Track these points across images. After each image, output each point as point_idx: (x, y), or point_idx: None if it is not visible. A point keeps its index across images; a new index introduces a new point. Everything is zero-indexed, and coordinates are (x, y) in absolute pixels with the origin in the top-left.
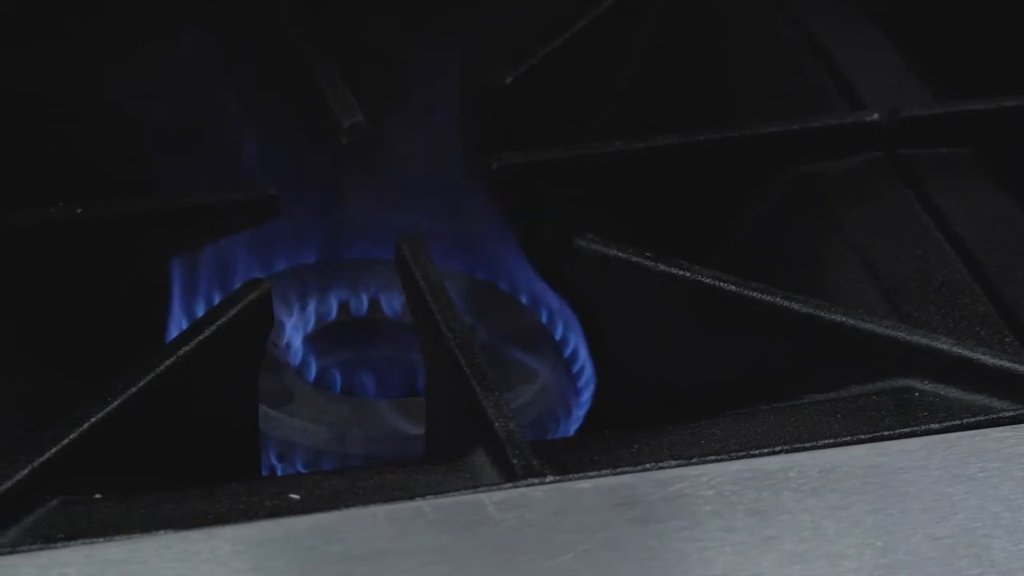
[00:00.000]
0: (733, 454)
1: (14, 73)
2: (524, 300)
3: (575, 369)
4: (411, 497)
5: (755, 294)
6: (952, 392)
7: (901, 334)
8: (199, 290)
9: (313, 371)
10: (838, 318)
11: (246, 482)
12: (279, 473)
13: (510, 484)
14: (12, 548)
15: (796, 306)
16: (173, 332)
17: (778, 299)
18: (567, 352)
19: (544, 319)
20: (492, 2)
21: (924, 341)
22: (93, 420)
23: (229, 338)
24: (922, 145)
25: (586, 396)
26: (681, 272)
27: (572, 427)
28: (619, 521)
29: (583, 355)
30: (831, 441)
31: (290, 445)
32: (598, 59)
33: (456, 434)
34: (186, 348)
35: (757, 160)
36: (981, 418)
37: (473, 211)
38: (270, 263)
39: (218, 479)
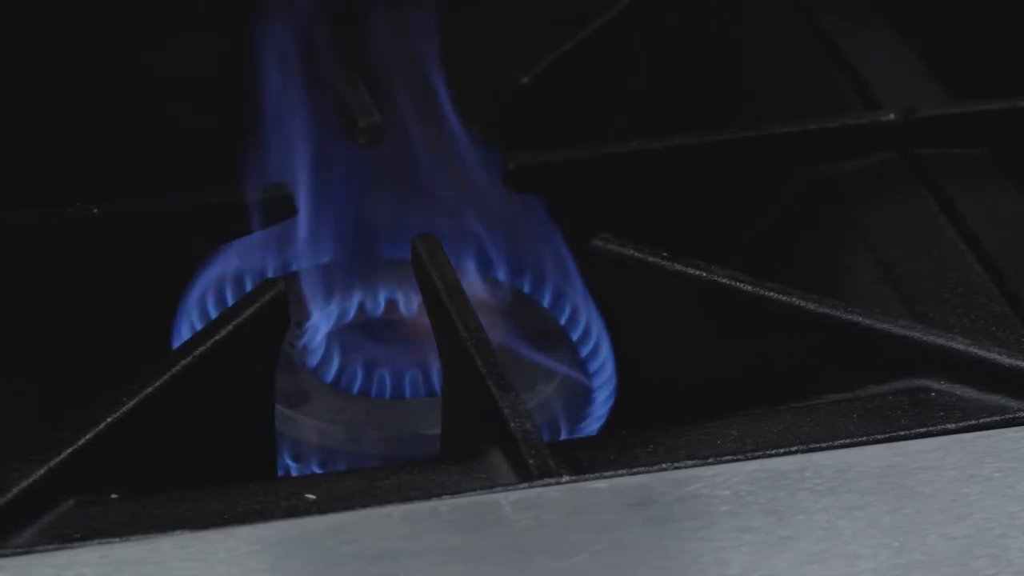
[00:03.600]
0: (749, 454)
1: (14, 73)
2: (546, 297)
3: (595, 368)
4: (427, 497)
5: (771, 294)
6: (968, 392)
7: (917, 334)
8: (213, 290)
9: (329, 371)
10: (854, 318)
11: (262, 482)
12: (294, 473)
13: (526, 484)
14: (28, 548)
15: (812, 306)
16: (184, 332)
17: (794, 299)
18: (587, 350)
19: (564, 318)
20: (497, 2)
21: (940, 341)
22: (109, 420)
23: (244, 339)
24: (938, 145)
25: (605, 395)
26: (697, 272)
27: (592, 426)
28: (635, 521)
29: (604, 353)
30: (847, 441)
31: (306, 445)
32: (613, 59)
33: (472, 434)
34: (201, 348)
35: (773, 160)
36: (997, 418)
37: (489, 210)
38: (286, 263)
39: (234, 479)
